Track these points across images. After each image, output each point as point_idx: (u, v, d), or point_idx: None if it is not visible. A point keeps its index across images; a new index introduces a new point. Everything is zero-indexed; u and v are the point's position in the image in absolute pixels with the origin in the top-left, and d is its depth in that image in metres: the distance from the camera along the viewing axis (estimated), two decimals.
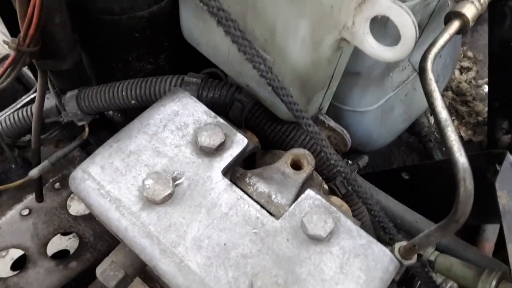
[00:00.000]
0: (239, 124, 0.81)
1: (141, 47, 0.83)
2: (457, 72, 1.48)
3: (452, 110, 1.42)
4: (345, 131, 0.79)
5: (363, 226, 0.72)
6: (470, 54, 1.52)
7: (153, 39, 0.83)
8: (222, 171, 0.56)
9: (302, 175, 0.68)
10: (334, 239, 0.52)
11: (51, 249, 1.07)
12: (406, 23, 0.50)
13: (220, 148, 0.57)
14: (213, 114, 0.61)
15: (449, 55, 1.07)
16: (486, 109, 1.27)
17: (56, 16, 0.68)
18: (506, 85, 1.20)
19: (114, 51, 0.85)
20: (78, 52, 0.79)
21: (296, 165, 0.70)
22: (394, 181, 1.03)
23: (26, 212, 1.01)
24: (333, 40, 0.58)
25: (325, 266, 0.50)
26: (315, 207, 0.54)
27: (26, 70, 1.11)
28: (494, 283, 0.73)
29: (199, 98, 0.81)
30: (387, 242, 0.69)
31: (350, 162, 0.87)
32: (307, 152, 0.70)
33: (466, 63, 1.50)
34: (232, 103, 0.80)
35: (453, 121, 1.44)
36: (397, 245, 0.67)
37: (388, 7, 0.50)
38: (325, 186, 0.76)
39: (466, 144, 1.36)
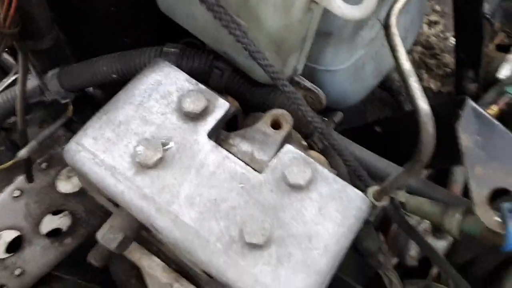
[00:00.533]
0: (220, 90, 0.84)
1: (118, 21, 0.85)
2: (425, 27, 1.53)
3: (421, 63, 1.49)
4: (320, 90, 0.83)
5: (340, 176, 0.78)
6: (437, 7, 1.57)
7: (130, 13, 0.85)
8: (207, 134, 0.61)
9: (281, 133, 0.73)
10: (312, 186, 0.58)
11: (44, 228, 1.11)
12: None
13: (203, 113, 0.62)
14: (194, 81, 0.65)
15: (416, 10, 1.12)
16: (454, 60, 1.33)
17: None
18: (470, 37, 1.26)
19: (92, 28, 0.87)
20: (56, 31, 0.81)
21: (276, 125, 0.74)
22: (369, 135, 1.09)
23: (17, 193, 1.04)
24: (303, 2, 0.62)
25: (306, 211, 0.56)
26: (294, 159, 0.60)
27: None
28: (457, 215, 0.81)
29: (179, 67, 0.84)
30: (363, 189, 0.76)
31: (326, 119, 0.92)
32: (285, 112, 0.75)
33: (434, 17, 1.55)
34: (211, 70, 0.83)
35: (422, 74, 1.50)
36: (370, 190, 0.74)
37: None
38: (304, 143, 0.81)
39: (436, 95, 1.43)
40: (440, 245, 1.19)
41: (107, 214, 0.70)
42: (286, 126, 0.74)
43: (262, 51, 0.66)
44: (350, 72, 0.95)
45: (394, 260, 1.31)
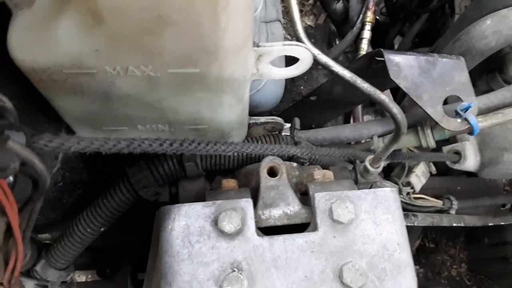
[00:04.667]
0: (201, 174, 0.88)
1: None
2: None
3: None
4: (275, 118, 0.91)
5: (343, 168, 0.90)
6: None
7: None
8: (257, 234, 0.67)
9: (283, 177, 0.81)
10: (358, 211, 0.69)
11: None
12: (300, 52, 0.61)
13: (242, 222, 0.67)
14: (210, 202, 0.69)
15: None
16: None
17: None
18: None
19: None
20: None
21: (273, 173, 0.82)
22: (308, 105, 1.21)
23: None
24: (247, 86, 0.67)
25: (367, 231, 0.68)
26: (329, 203, 0.69)
27: None
28: (428, 131, 0.98)
29: (156, 182, 0.86)
30: (362, 161, 0.89)
31: (290, 133, 0.99)
32: (272, 157, 0.82)
33: None
34: (183, 166, 0.86)
35: None
36: (367, 160, 0.87)
37: (282, 49, 0.60)
38: (294, 164, 0.90)
39: (314, 28, 1.56)
40: None
41: None
42: (282, 168, 0.81)
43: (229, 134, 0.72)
44: (270, 82, 1.03)
45: None
